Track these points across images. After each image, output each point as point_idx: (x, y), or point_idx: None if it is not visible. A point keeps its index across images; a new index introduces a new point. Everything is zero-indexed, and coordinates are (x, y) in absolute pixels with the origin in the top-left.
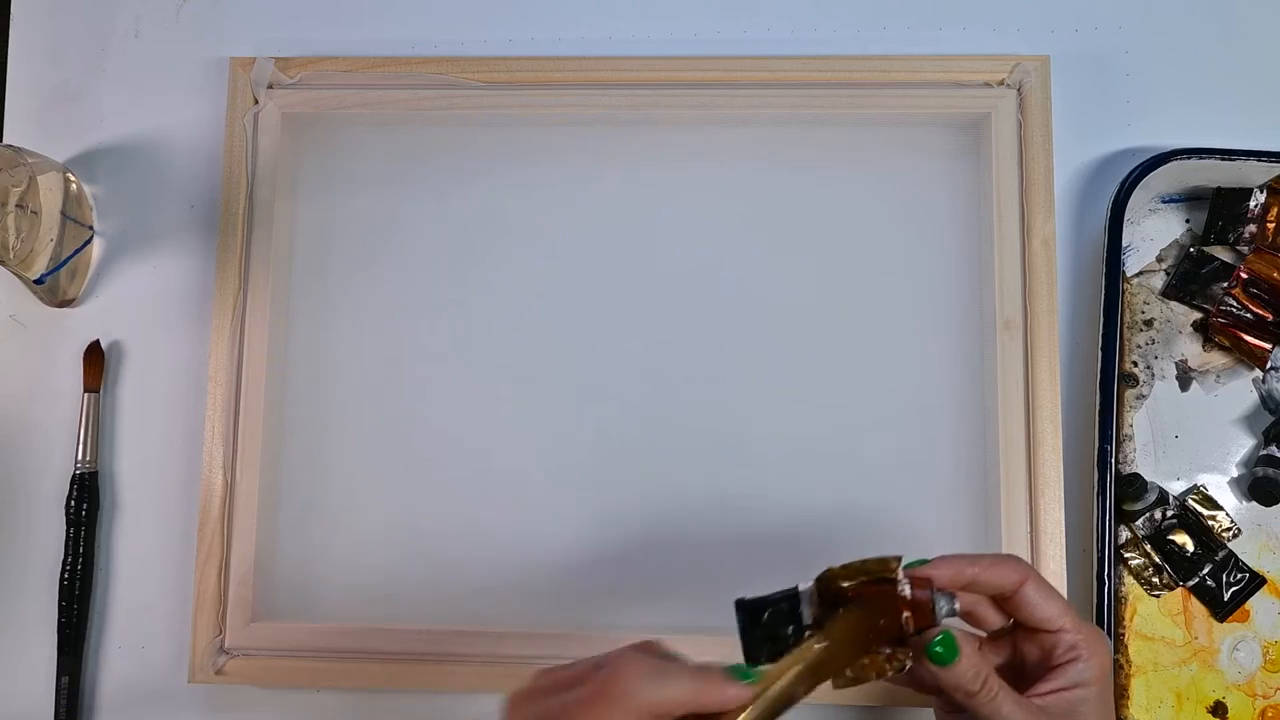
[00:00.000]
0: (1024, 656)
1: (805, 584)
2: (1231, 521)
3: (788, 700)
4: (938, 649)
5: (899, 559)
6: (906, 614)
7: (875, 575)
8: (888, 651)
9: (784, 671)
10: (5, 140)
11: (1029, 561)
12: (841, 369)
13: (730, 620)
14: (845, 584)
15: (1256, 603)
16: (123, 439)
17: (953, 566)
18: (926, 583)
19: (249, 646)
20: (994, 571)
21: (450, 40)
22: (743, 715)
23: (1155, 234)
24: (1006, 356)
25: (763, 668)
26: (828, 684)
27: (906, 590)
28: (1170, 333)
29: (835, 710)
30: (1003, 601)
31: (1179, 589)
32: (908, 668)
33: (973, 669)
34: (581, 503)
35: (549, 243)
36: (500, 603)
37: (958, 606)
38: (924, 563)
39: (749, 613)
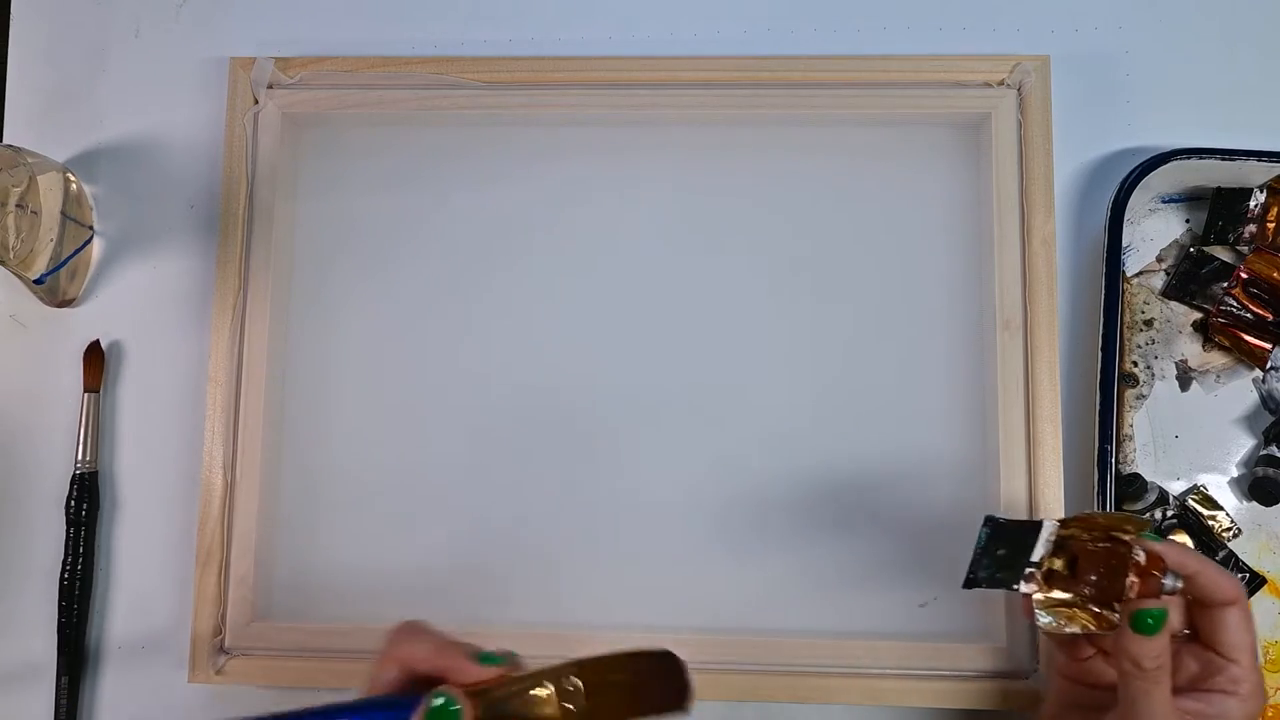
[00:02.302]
0: (1179, 665)
1: (1050, 522)
2: (1231, 521)
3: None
4: (1149, 619)
5: (1137, 524)
6: (1133, 579)
7: (1112, 536)
8: (1096, 610)
9: (527, 676)
10: (5, 140)
11: None
12: (841, 368)
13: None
14: (1083, 537)
15: (1257, 603)
16: (123, 439)
17: (1184, 554)
18: (1159, 559)
19: (249, 646)
20: (1218, 578)
21: (450, 40)
22: (486, 695)
23: (1155, 234)
24: (1006, 356)
25: (513, 658)
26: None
27: (1141, 558)
28: (1170, 333)
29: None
30: (1199, 609)
31: None
32: (1114, 628)
33: (1162, 648)
34: (585, 502)
35: (549, 242)
36: (502, 603)
37: (1180, 586)
38: (1156, 538)
39: (993, 533)
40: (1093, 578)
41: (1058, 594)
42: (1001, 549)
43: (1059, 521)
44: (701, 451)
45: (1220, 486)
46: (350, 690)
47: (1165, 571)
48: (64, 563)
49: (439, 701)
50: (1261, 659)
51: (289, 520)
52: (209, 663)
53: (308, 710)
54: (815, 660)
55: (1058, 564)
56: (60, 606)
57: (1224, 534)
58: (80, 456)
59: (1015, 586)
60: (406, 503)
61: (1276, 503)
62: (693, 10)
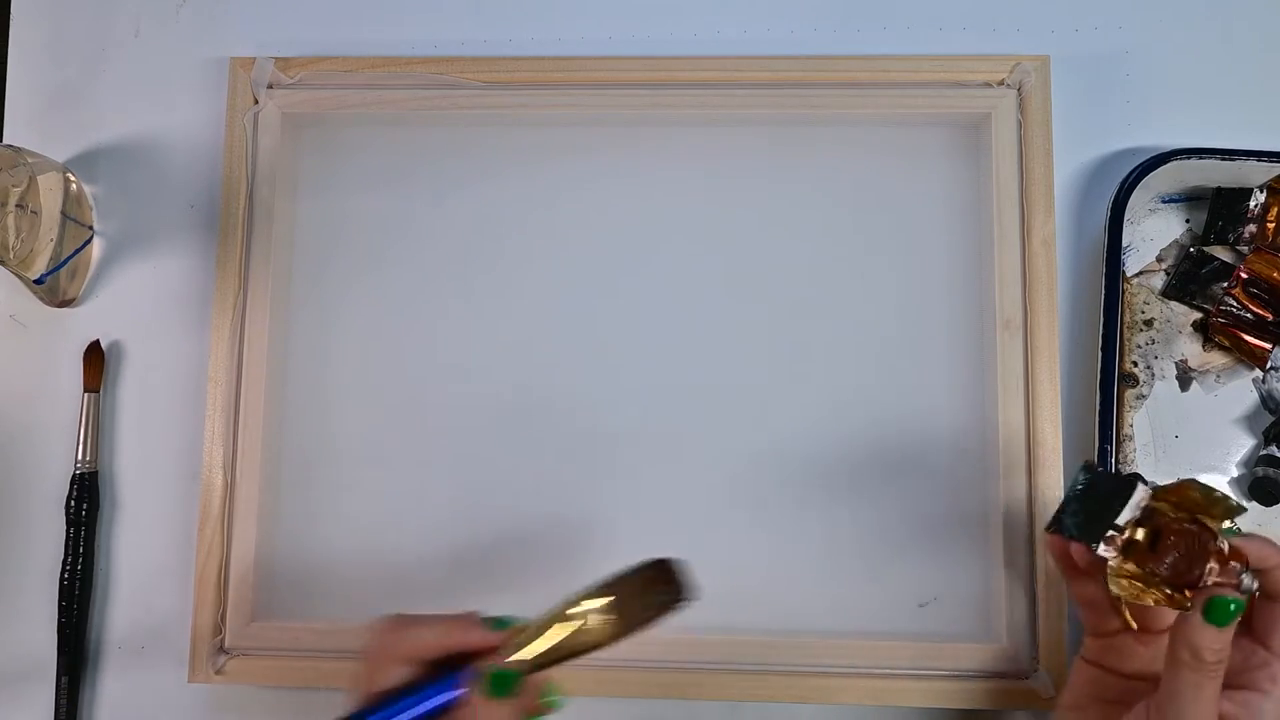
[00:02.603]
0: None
1: (1143, 487)
2: (1232, 521)
3: (569, 651)
4: (1229, 608)
5: (1225, 511)
6: (1212, 565)
7: (1199, 518)
8: (1169, 591)
9: (542, 628)
10: (5, 140)
11: (1028, 561)
12: (841, 368)
13: None
14: (1169, 513)
15: None
16: (123, 439)
17: (1265, 548)
18: (1243, 554)
19: (249, 646)
20: None
21: (450, 40)
22: (520, 653)
23: (1155, 234)
24: (1006, 356)
25: (517, 620)
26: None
27: (1224, 545)
28: (1170, 333)
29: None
30: (1259, 603)
31: None
32: (1187, 610)
33: (1226, 641)
34: (585, 499)
35: (549, 242)
36: (503, 601)
37: (1256, 587)
38: (1236, 532)
39: (1088, 482)
40: (1171, 558)
41: (1132, 566)
42: (1092, 502)
43: (1151, 489)
44: (699, 451)
45: (1220, 486)
46: (350, 690)
47: (1246, 567)
48: (64, 563)
49: (495, 673)
50: None
51: (289, 520)
52: (209, 663)
53: None
54: (815, 660)
55: (1140, 534)
56: (60, 606)
57: None
58: (80, 456)
59: (1094, 545)
60: (406, 502)
61: (1276, 503)
62: (693, 10)
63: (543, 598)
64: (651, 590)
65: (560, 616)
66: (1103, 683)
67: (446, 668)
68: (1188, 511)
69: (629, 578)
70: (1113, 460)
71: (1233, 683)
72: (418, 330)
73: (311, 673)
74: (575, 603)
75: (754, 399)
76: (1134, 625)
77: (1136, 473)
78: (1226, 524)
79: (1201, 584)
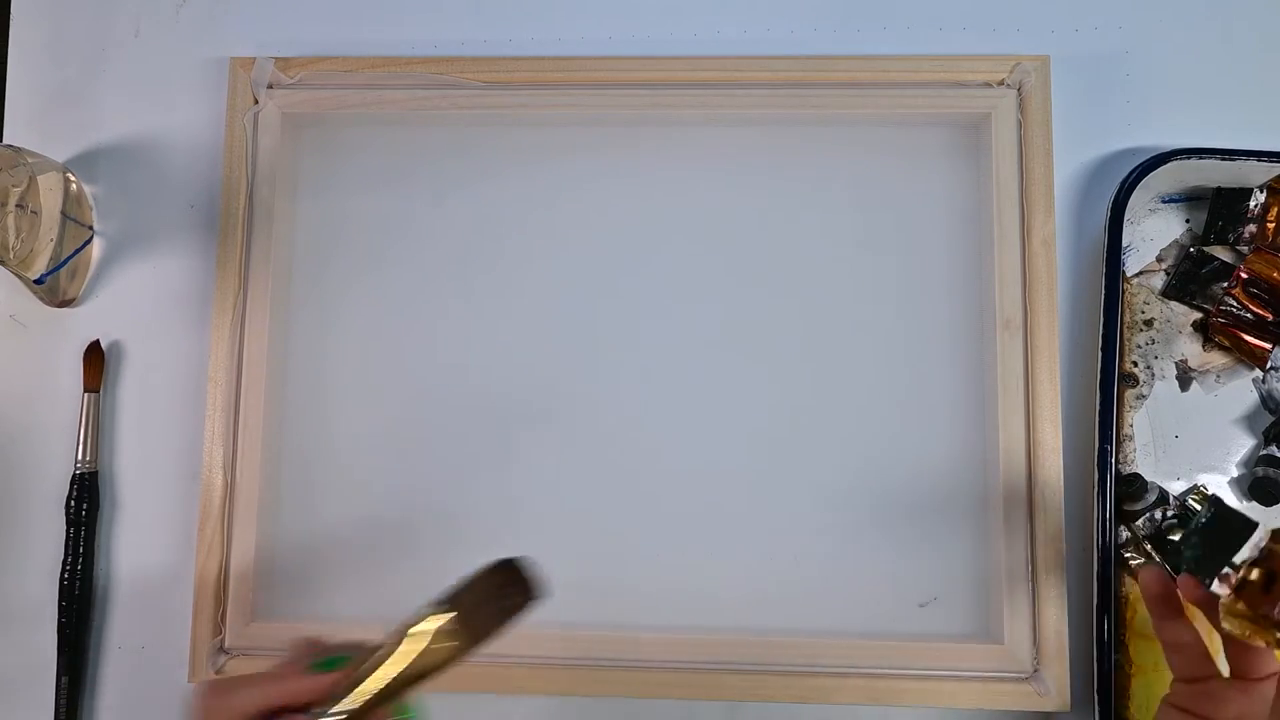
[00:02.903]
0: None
1: (1264, 529)
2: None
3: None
4: None
5: None
6: None
7: None
8: (1278, 635)
9: (381, 659)
10: (5, 140)
11: (1028, 561)
12: (841, 368)
13: None
14: None
15: None
16: (123, 439)
17: None
18: None
19: (249, 646)
20: None
21: (450, 40)
22: (348, 700)
23: (1155, 234)
24: (1006, 356)
25: (350, 656)
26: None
27: None
28: (1170, 333)
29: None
30: None
31: None
32: None
33: None
34: (585, 501)
35: (549, 241)
36: None
37: None
38: None
39: (1213, 517)
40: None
41: (1243, 605)
42: (1213, 537)
43: (1271, 531)
44: (698, 451)
45: (1220, 486)
46: None
47: None
48: (64, 563)
49: None
50: None
51: (289, 520)
52: (209, 663)
53: None
54: (815, 660)
55: (1255, 575)
56: (60, 606)
57: None
58: (80, 456)
59: (1208, 582)
60: (406, 501)
61: (1276, 503)
62: (693, 10)
63: (549, 602)
64: (498, 595)
65: (400, 639)
66: None
67: None
68: None
69: (473, 585)
70: (1113, 460)
71: None
72: (417, 330)
73: None
74: (416, 621)
75: (753, 399)
76: (1226, 670)
77: (1252, 519)
78: None
79: None
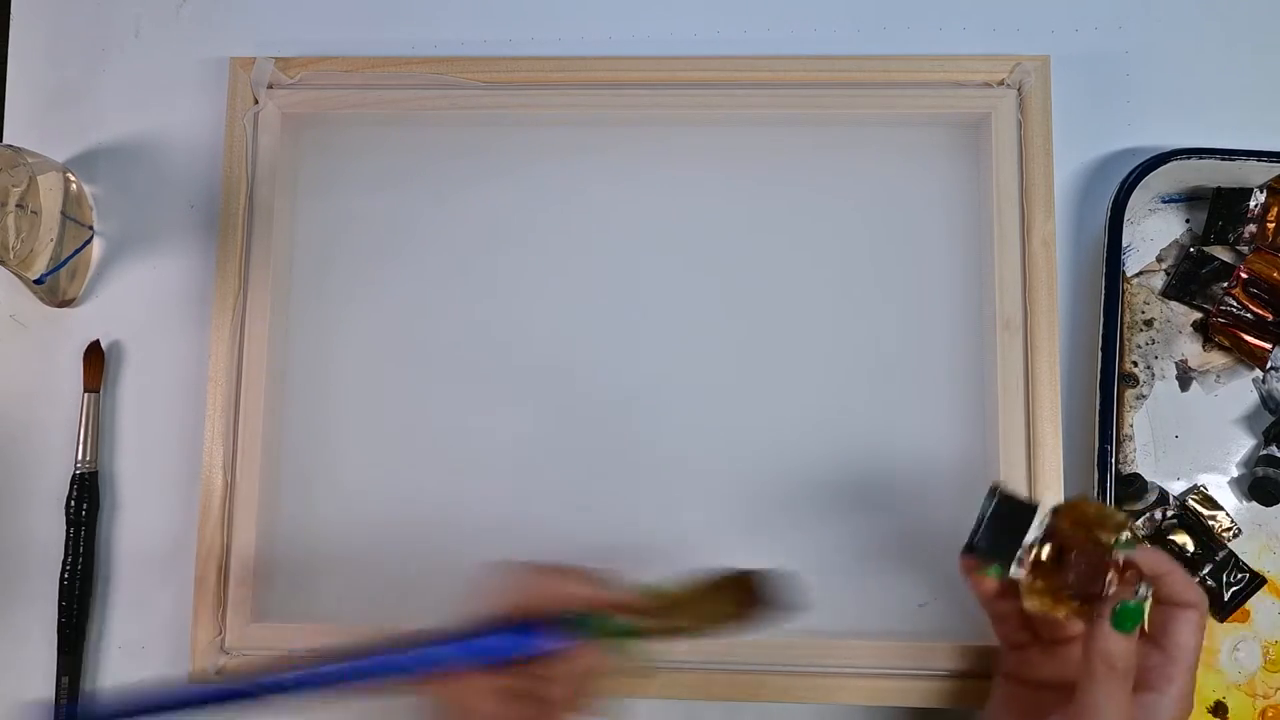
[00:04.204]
0: None
1: (1043, 508)
2: (1232, 521)
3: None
4: (1129, 617)
5: (1115, 527)
6: (1112, 576)
7: (1094, 534)
8: (1077, 604)
9: (665, 603)
10: (5, 140)
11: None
12: (840, 368)
13: None
14: (1067, 530)
15: (1256, 603)
16: (123, 439)
17: (1155, 557)
18: (1134, 565)
19: (249, 646)
20: (1185, 582)
21: (450, 40)
22: (653, 621)
23: (1155, 234)
24: (1006, 356)
25: (660, 587)
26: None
27: (1120, 557)
28: (1170, 333)
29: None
30: (1155, 609)
31: None
32: (1090, 619)
33: (1132, 647)
34: (584, 501)
35: (549, 242)
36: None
37: (1150, 594)
38: (1129, 544)
39: (997, 505)
40: (1075, 573)
41: (1041, 583)
42: (1001, 524)
43: (1051, 510)
44: (698, 451)
45: (1220, 486)
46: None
47: (1141, 578)
48: (64, 563)
49: (619, 629)
50: (1261, 659)
51: (289, 520)
52: (209, 663)
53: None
54: (815, 660)
55: (1044, 553)
56: (60, 606)
57: (1224, 534)
58: (80, 456)
59: (1007, 570)
60: (406, 501)
61: (1276, 503)
62: (693, 10)
63: None
64: (738, 600)
65: (690, 592)
66: (1017, 695)
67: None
68: (1084, 527)
69: (725, 580)
70: (1113, 460)
71: (1134, 687)
72: (418, 330)
73: None
74: (706, 583)
75: (753, 398)
76: (1042, 635)
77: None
78: (1120, 538)
79: (1104, 595)
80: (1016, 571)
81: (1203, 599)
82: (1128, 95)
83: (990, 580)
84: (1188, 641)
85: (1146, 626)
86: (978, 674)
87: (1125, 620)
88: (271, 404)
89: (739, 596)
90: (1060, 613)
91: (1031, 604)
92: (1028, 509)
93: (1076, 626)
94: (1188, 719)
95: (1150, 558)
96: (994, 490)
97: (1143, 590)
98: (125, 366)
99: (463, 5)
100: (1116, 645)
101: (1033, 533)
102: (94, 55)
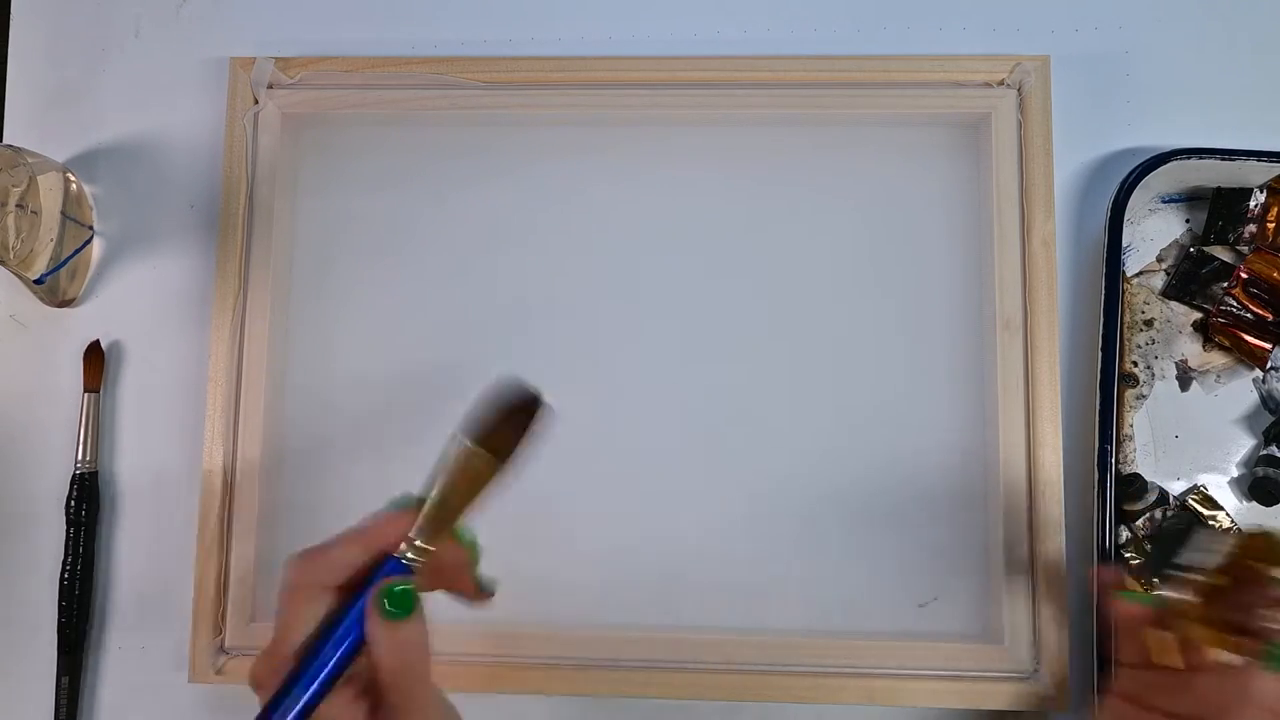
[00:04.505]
0: None
1: (1211, 530)
2: (1232, 521)
3: (448, 505)
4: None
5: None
6: (1268, 611)
7: (1259, 567)
8: (1231, 637)
9: (441, 490)
10: (5, 140)
11: (1028, 561)
12: (841, 368)
13: None
14: (1247, 559)
15: None
16: (123, 439)
17: None
18: None
19: (249, 646)
20: None
21: (450, 40)
22: (428, 528)
23: (1155, 234)
24: (1006, 356)
25: (406, 500)
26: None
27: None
28: (1170, 333)
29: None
30: None
31: None
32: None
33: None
34: (584, 502)
35: (548, 242)
36: (502, 601)
37: None
38: None
39: (1168, 524)
40: (1235, 603)
41: (1205, 611)
42: (1166, 543)
43: (1226, 533)
44: (698, 452)
45: (1220, 486)
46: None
47: None
48: (64, 563)
49: (388, 593)
50: None
51: (289, 520)
52: (209, 663)
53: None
54: (815, 660)
55: (1207, 578)
56: (60, 606)
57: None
58: (80, 456)
59: (1159, 584)
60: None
61: (1276, 503)
62: (693, 10)
63: (539, 598)
64: (510, 415)
65: (442, 471)
66: (1131, 718)
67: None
68: (1255, 559)
69: (486, 412)
70: (1113, 460)
71: None
72: (418, 330)
73: None
74: (449, 454)
75: (753, 400)
76: (1181, 664)
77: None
78: None
79: (1258, 629)
80: (1170, 590)
81: None
82: (1128, 95)
83: (1133, 606)
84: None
85: None
86: (978, 674)
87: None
88: (271, 404)
89: (498, 425)
90: (1223, 645)
91: (1192, 632)
92: (1187, 530)
93: (1218, 658)
94: None
95: None
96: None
97: None
98: (125, 366)
99: (463, 5)
100: (1264, 686)
101: (1200, 556)
102: (94, 55)
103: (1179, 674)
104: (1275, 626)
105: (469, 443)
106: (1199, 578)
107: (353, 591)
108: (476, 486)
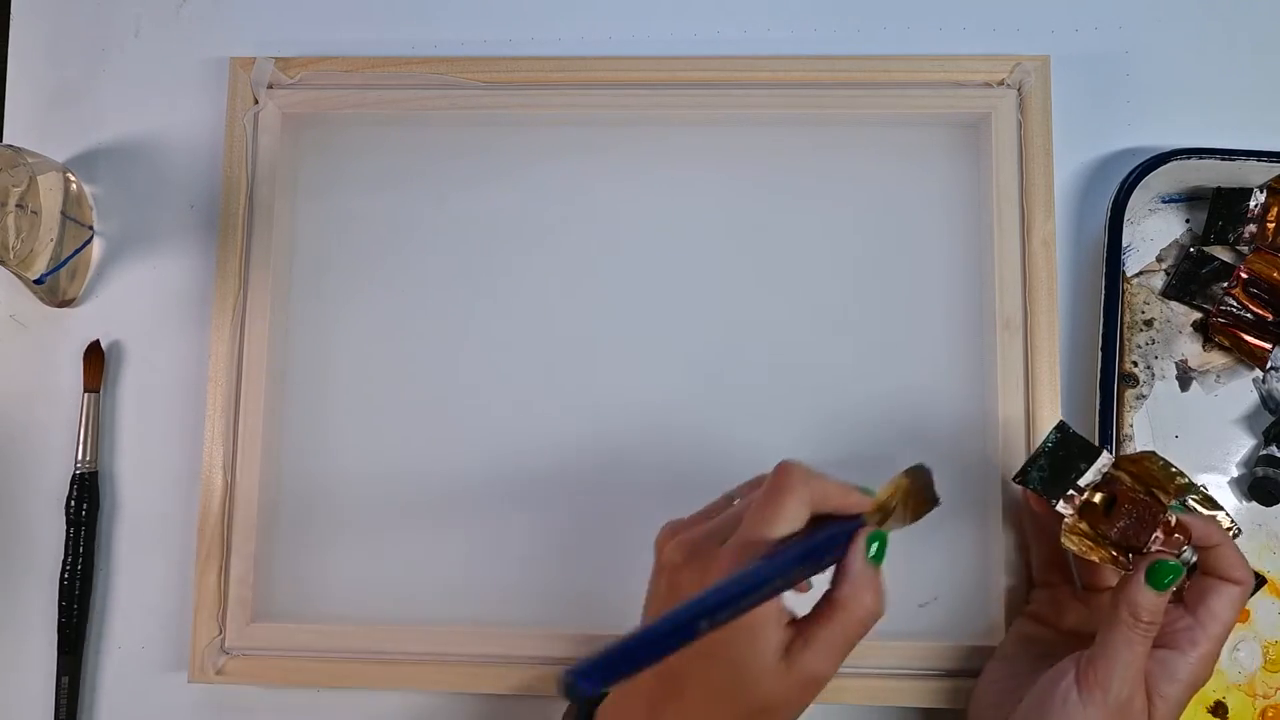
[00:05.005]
0: None
1: (1107, 455)
2: (1231, 521)
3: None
4: (1167, 576)
5: (1177, 490)
6: (1159, 535)
7: (1154, 490)
8: (1115, 553)
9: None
10: (5, 140)
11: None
12: (841, 369)
13: None
14: (1127, 482)
15: (1257, 603)
16: (123, 439)
17: (1210, 528)
18: (1187, 529)
19: (249, 646)
20: (1236, 559)
21: (450, 40)
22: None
23: (1155, 234)
24: (1006, 356)
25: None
26: None
27: (1172, 519)
28: (1170, 333)
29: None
30: (1198, 577)
31: None
32: (1128, 571)
33: (1163, 605)
34: (583, 502)
35: (549, 242)
36: (503, 602)
37: (1194, 561)
38: (1185, 508)
39: (1059, 440)
40: (1122, 523)
41: (1085, 525)
42: (1059, 460)
43: (1114, 458)
44: (698, 451)
45: (1220, 486)
46: (351, 689)
47: (1189, 542)
48: (64, 563)
49: (875, 543)
50: (1261, 659)
51: (289, 520)
52: (209, 663)
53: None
54: None
55: (1097, 499)
56: (60, 606)
57: None
58: (80, 456)
59: (1054, 502)
60: (406, 503)
61: (1276, 503)
62: (693, 10)
63: (539, 599)
64: (925, 492)
65: (905, 487)
66: (1037, 636)
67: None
68: (1145, 483)
69: (910, 477)
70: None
71: (1156, 643)
72: (418, 330)
73: (311, 673)
74: (894, 488)
75: (752, 398)
76: (1078, 580)
77: (1104, 446)
78: (1177, 500)
79: (1146, 550)
80: (1064, 508)
81: (1249, 578)
82: (1128, 95)
83: (1039, 505)
84: (1222, 613)
85: (1184, 591)
86: (977, 675)
87: (1161, 577)
88: (271, 404)
89: (921, 491)
90: (1095, 556)
91: (1069, 543)
92: (1089, 450)
93: (1112, 578)
94: (1202, 686)
95: (1204, 527)
96: (1060, 426)
97: (1187, 554)
98: (125, 366)
99: (463, 5)
100: (1146, 598)
101: (1090, 476)
102: (94, 55)
103: (1077, 592)
104: (1156, 548)
105: (928, 493)
106: (1090, 496)
107: (812, 528)
108: (910, 513)
